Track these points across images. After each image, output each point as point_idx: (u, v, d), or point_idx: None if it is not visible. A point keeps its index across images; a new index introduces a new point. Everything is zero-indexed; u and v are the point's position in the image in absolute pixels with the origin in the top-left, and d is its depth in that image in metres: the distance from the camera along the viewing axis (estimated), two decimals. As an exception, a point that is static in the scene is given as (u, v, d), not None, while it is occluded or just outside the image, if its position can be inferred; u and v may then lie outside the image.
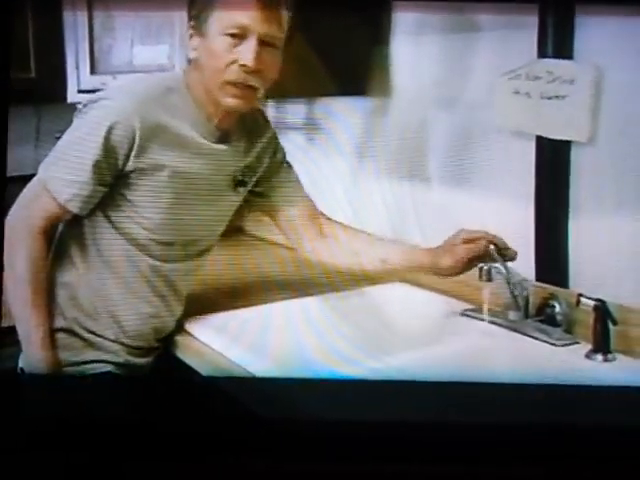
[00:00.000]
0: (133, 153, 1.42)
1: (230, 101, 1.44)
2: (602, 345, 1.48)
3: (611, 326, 1.48)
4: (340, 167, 2.01)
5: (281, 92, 1.91)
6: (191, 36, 1.45)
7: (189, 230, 1.50)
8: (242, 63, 1.41)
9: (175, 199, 1.46)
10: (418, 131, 1.88)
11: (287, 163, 1.67)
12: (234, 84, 1.43)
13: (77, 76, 1.99)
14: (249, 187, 1.60)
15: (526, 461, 1.39)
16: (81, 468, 1.40)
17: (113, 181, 1.45)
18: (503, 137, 1.70)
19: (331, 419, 1.38)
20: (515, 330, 1.61)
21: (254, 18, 1.39)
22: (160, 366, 1.62)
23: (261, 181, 1.62)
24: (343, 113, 1.99)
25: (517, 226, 1.66)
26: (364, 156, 1.98)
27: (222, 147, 1.49)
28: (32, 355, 1.46)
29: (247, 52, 1.40)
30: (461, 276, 1.63)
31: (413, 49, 1.90)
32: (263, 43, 1.41)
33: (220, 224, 1.58)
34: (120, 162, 1.42)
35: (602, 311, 1.48)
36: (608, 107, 1.55)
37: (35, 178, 1.48)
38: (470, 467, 1.40)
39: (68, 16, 1.95)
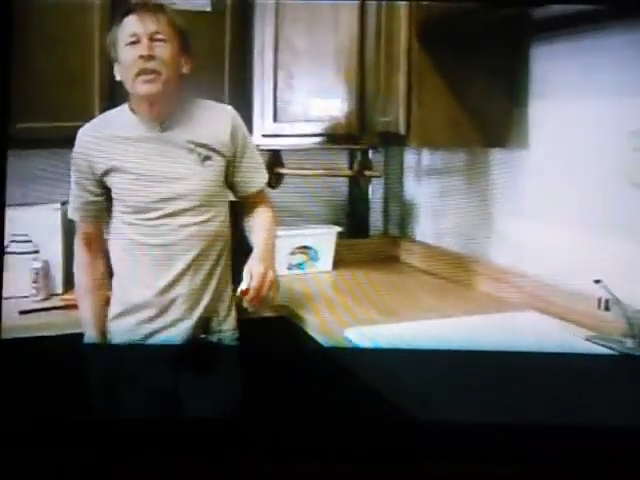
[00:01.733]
0: (94, 162, 1.88)
1: (141, 88, 1.85)
2: None
3: None
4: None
5: (432, 142, 2.24)
6: (114, 67, 1.90)
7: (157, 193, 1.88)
8: (140, 54, 1.83)
9: (137, 179, 1.88)
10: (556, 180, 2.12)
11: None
12: (140, 73, 1.84)
13: (262, 123, 2.39)
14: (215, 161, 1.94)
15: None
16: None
17: (97, 189, 1.91)
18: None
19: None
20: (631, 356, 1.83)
21: (140, 25, 1.84)
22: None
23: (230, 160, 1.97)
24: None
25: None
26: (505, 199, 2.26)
27: (167, 133, 1.89)
28: (89, 337, 1.92)
29: (143, 48, 1.83)
30: (583, 306, 1.89)
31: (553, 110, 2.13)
32: (153, 39, 1.84)
33: (187, 182, 1.91)
34: (89, 173, 1.89)
35: None
36: None
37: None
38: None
39: (258, 74, 2.36)
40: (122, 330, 1.95)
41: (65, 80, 2.22)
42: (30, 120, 2.16)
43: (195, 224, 1.89)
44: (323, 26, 2.33)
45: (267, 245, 1.97)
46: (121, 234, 1.94)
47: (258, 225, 2.01)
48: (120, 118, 1.91)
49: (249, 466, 1.66)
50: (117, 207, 1.92)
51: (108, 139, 1.89)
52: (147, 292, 1.91)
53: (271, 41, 2.35)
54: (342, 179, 2.78)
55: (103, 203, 1.92)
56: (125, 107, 1.92)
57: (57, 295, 2.29)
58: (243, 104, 2.31)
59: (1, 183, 1.61)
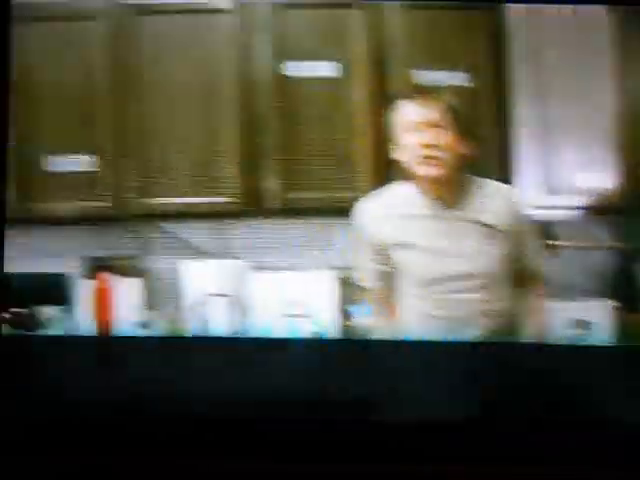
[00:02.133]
0: (379, 236, 2.02)
1: (423, 171, 1.98)
2: None
3: None
4: None
5: None
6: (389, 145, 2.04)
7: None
8: (420, 143, 1.95)
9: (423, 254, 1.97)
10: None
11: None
12: (421, 158, 1.94)
13: (533, 196, 2.39)
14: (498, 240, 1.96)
15: None
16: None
17: (383, 261, 2.06)
18: None
19: None
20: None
21: (419, 113, 1.98)
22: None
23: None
24: None
25: None
26: None
27: (451, 212, 1.97)
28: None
29: (423, 136, 1.96)
30: None
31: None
32: (433, 128, 1.93)
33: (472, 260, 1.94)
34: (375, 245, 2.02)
35: None
36: None
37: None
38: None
39: (525, 147, 2.38)
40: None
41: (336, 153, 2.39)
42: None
43: (480, 301, 1.93)
44: (588, 101, 2.30)
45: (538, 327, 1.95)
46: (407, 303, 2.02)
47: (532, 308, 2.01)
48: (403, 194, 2.00)
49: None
50: (404, 279, 2.00)
51: (393, 215, 1.99)
52: None
53: (535, 116, 2.36)
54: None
55: (390, 273, 2.02)
56: (408, 184, 2.01)
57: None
58: (508, 177, 2.33)
59: (1, 181, 1.53)
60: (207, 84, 2.36)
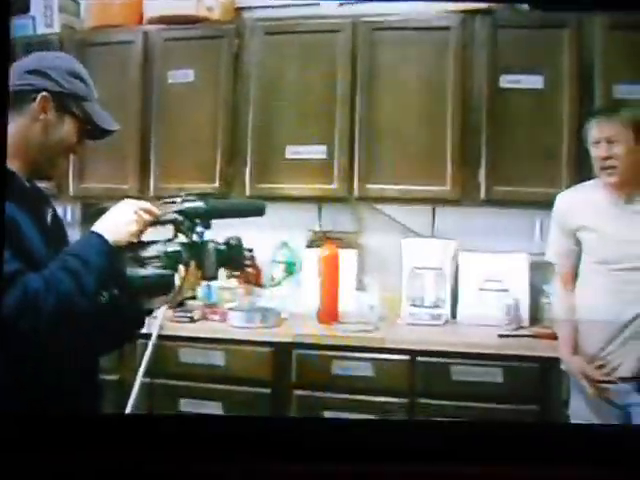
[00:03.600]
0: (569, 220, 2.43)
1: (603, 177, 2.33)
2: None
3: None
4: None
5: None
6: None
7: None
8: (599, 155, 2.34)
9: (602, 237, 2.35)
10: None
11: None
12: (602, 168, 2.33)
13: None
14: None
15: None
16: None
17: (570, 241, 2.43)
18: None
19: None
20: None
21: (598, 131, 2.33)
22: None
23: None
24: None
25: None
26: None
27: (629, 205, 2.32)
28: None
29: (602, 150, 2.33)
30: None
31: None
32: (609, 142, 2.30)
33: None
34: (565, 228, 2.45)
35: None
36: None
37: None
38: None
39: None
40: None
41: (539, 153, 2.81)
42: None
43: None
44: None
45: None
46: (588, 279, 2.45)
47: None
48: (594, 189, 2.43)
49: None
50: (586, 257, 2.43)
51: (583, 203, 2.43)
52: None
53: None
54: None
55: (575, 252, 2.44)
56: (598, 181, 2.44)
57: (524, 327, 2.86)
58: None
59: (1, 183, 1.61)
60: (433, 91, 2.81)
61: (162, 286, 1.63)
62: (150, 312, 1.73)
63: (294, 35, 2.94)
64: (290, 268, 3.20)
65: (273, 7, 3.05)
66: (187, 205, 1.68)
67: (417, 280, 2.95)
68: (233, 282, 3.07)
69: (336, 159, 2.92)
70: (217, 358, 2.78)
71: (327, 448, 1.70)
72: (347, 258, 3.06)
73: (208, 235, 1.72)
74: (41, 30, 3.28)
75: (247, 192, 3.01)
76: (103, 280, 1.56)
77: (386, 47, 2.86)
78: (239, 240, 1.73)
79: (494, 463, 1.68)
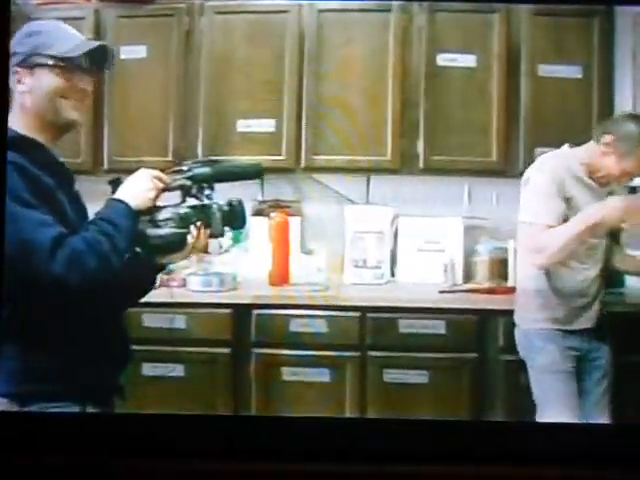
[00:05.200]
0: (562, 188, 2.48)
1: None
2: None
3: None
4: None
5: None
6: None
7: None
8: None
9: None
10: None
11: None
12: None
13: None
14: None
15: None
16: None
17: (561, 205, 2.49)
18: None
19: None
20: None
21: None
22: None
23: None
24: None
25: None
26: None
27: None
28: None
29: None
30: None
31: None
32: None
33: None
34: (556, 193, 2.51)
35: None
36: None
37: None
38: None
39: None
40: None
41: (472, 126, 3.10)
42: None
43: None
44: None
45: None
46: None
47: None
48: (576, 164, 2.52)
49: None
50: None
51: (572, 177, 2.51)
52: None
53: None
54: None
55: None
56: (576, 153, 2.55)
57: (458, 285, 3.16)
58: None
59: (1, 181, 1.75)
60: (375, 68, 3.05)
61: (177, 243, 1.87)
62: (163, 268, 1.96)
63: (243, 15, 3.09)
64: (237, 236, 3.38)
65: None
66: (195, 171, 1.88)
67: (359, 243, 3.19)
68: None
69: (284, 132, 3.11)
70: (179, 322, 2.94)
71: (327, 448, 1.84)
72: (293, 225, 3.27)
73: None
74: (-17, 5, 3.29)
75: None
76: (131, 241, 1.76)
77: (331, 27, 3.06)
78: (240, 201, 1.95)
79: (490, 463, 1.80)
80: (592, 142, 2.53)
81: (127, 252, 1.79)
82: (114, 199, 1.82)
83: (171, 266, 3.19)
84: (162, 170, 1.95)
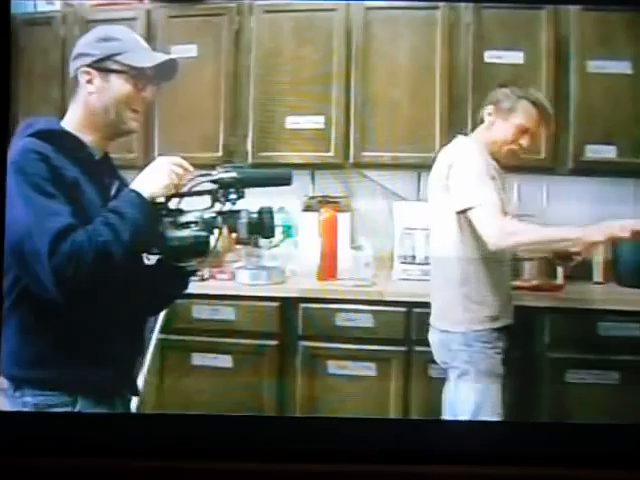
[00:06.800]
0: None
1: None
2: None
3: None
4: None
5: None
6: None
7: None
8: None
9: None
10: None
11: None
12: None
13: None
14: None
15: None
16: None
17: None
18: None
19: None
20: None
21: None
22: None
23: None
24: None
25: None
26: None
27: None
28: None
29: (526, 140, 2.52)
30: None
31: None
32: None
33: None
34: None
35: None
36: None
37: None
38: None
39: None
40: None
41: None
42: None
43: None
44: None
45: None
46: None
47: None
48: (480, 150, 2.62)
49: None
50: None
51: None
52: None
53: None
54: None
55: None
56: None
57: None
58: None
59: (1, 180, 1.78)
60: (422, 65, 3.07)
61: (198, 246, 1.86)
62: (194, 273, 1.96)
63: (292, 13, 3.14)
64: (287, 231, 3.43)
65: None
66: (221, 175, 1.91)
67: (407, 240, 3.22)
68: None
69: (333, 128, 3.15)
70: (228, 313, 3.00)
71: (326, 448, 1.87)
72: (342, 220, 3.31)
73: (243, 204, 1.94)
74: (42, 7, 3.40)
75: (249, 160, 3.22)
76: (141, 232, 1.79)
77: (378, 25, 3.09)
78: (270, 210, 1.96)
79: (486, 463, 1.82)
80: (480, 126, 2.63)
81: (134, 242, 1.79)
82: (128, 189, 1.86)
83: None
84: (212, 167, 1.98)
